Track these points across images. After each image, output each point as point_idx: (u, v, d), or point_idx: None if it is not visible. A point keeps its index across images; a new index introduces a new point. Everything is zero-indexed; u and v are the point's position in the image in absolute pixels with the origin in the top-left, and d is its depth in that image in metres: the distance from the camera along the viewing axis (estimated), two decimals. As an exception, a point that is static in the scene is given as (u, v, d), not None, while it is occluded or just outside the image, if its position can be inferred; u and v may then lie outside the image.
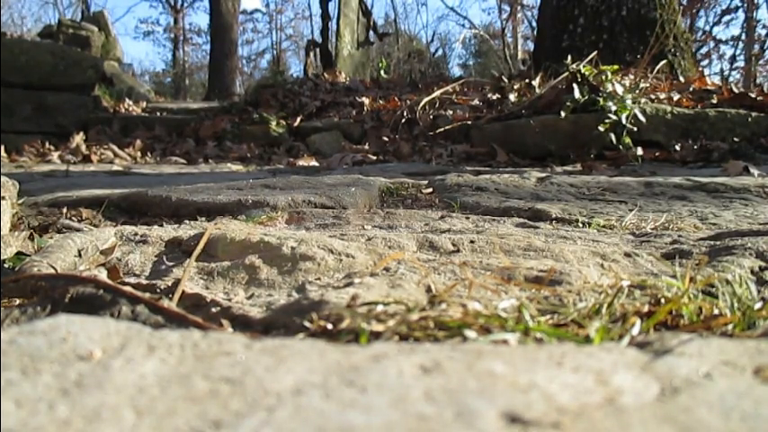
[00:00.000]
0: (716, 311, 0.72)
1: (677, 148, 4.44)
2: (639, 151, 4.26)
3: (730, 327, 0.68)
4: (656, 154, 4.38)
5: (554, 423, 0.37)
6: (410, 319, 0.65)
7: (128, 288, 0.74)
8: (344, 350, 0.48)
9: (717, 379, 0.47)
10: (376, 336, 0.63)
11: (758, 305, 0.72)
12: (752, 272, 0.95)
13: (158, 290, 0.91)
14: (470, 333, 0.63)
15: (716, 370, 0.48)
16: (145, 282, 0.94)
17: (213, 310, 0.81)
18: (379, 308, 0.70)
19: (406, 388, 0.40)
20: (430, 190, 2.48)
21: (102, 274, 0.85)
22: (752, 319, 0.70)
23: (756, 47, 18.65)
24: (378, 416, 0.37)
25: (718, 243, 1.15)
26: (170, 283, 0.93)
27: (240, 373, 0.41)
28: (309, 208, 1.91)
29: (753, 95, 5.18)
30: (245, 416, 0.36)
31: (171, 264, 1.11)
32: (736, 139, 4.51)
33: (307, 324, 0.68)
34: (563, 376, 0.44)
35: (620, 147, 4.33)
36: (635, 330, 0.64)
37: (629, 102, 4.43)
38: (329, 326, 0.66)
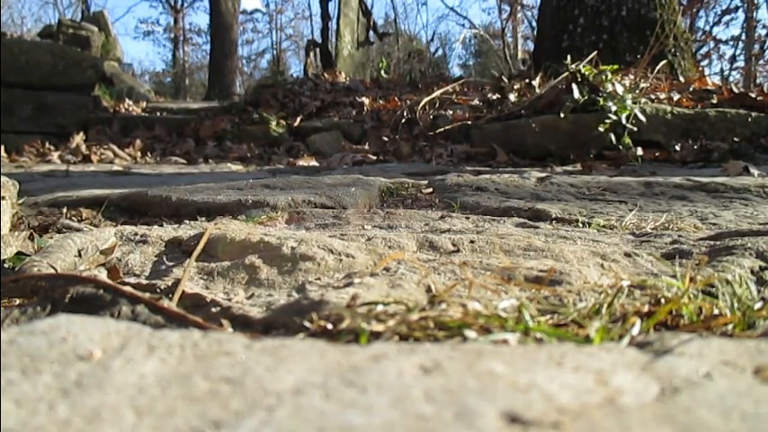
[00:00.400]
0: (716, 311, 0.72)
1: (677, 148, 4.44)
2: (639, 151, 4.26)
3: (730, 327, 0.68)
4: (656, 154, 4.38)
5: (554, 423, 0.37)
6: (410, 319, 0.65)
7: (128, 288, 0.74)
8: (344, 350, 0.48)
9: (717, 379, 0.47)
10: (376, 336, 0.63)
11: (758, 305, 0.72)
12: (752, 272, 0.95)
13: (158, 290, 0.91)
14: (470, 333, 0.63)
15: (716, 370, 0.48)
16: (145, 282, 0.94)
17: (213, 310, 0.81)
18: (379, 308, 0.70)
19: (406, 388, 0.40)
20: (430, 190, 2.48)
21: (102, 274, 0.85)
22: (752, 319, 0.70)
23: (756, 47, 18.65)
24: (378, 416, 0.37)
25: (718, 243, 1.15)
26: (170, 283, 0.93)
27: (240, 373, 0.42)
28: (309, 208, 1.91)
29: (753, 95, 5.18)
30: (245, 416, 0.36)
31: (171, 264, 1.11)
32: (736, 139, 4.51)
33: (307, 324, 0.68)
34: (563, 376, 0.44)
35: (620, 147, 4.33)
36: (635, 330, 0.64)
37: (629, 102, 4.43)
38: (329, 326, 0.66)
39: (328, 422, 0.36)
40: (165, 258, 1.15)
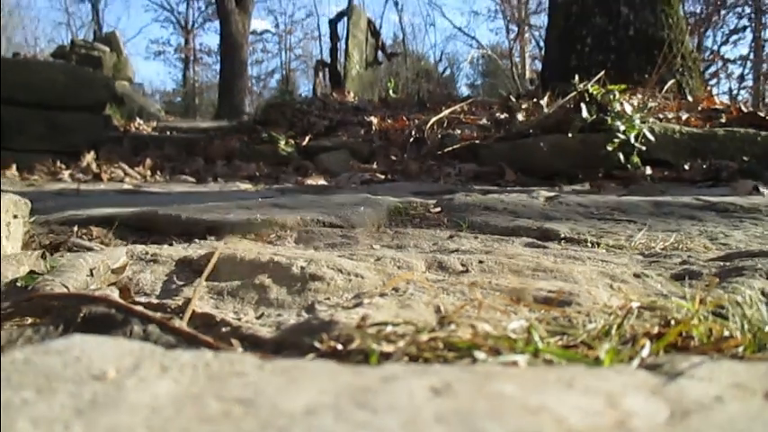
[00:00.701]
0: (726, 333, 0.72)
1: (686, 167, 4.43)
2: (648, 170, 4.26)
3: (741, 349, 0.68)
4: (665, 173, 4.37)
5: (564, 446, 0.38)
6: (420, 340, 0.65)
7: (139, 308, 0.74)
8: (355, 371, 0.48)
9: (728, 402, 0.46)
10: (386, 356, 0.63)
11: (769, 327, 0.72)
12: (762, 293, 0.94)
13: (169, 309, 0.91)
14: (480, 354, 0.63)
15: (727, 393, 0.48)
16: (155, 301, 0.95)
17: (223, 329, 0.82)
18: (389, 328, 0.70)
19: (416, 409, 0.40)
20: (438, 209, 2.48)
21: (114, 294, 0.86)
22: (762, 341, 0.70)
23: (765, 66, 18.65)
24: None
25: (728, 264, 1.15)
26: (180, 303, 0.93)
27: (252, 393, 0.42)
28: (318, 227, 1.91)
29: (762, 114, 5.18)
30: (257, 436, 0.37)
31: (181, 283, 1.12)
32: (745, 159, 4.50)
33: (317, 344, 0.68)
34: (573, 398, 0.44)
35: (629, 166, 4.33)
36: (645, 352, 0.64)
37: (637, 121, 4.44)
38: (339, 346, 0.66)
39: (340, 443, 0.36)
40: (175, 278, 1.15)
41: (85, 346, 0.49)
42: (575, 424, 0.40)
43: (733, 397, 0.48)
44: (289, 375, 0.45)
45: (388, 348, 0.63)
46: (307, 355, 0.67)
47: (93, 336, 0.52)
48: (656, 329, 0.72)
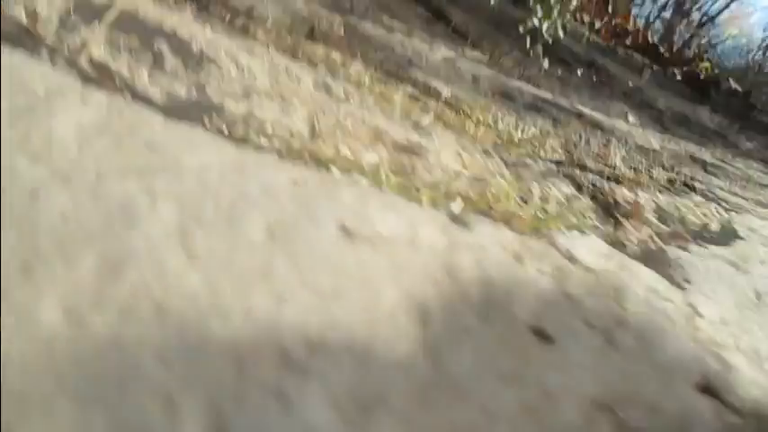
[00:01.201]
0: (520, 213, 0.92)
1: (579, 72, 4.68)
2: (546, 65, 4.45)
3: (521, 226, 0.89)
4: (559, 72, 4.60)
5: (372, 241, 0.54)
6: (292, 145, 0.78)
7: (48, 40, 0.79)
8: (239, 150, 0.61)
9: (488, 248, 0.66)
10: (260, 148, 0.76)
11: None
12: (566, 197, 1.17)
13: (67, 47, 0.96)
14: (335, 170, 0.78)
15: (489, 245, 0.67)
16: (53, 35, 0.98)
17: (117, 82, 0.89)
18: (269, 128, 0.82)
19: (276, 186, 0.55)
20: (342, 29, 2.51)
21: (23, 17, 0.89)
22: (539, 228, 0.91)
23: (687, 3, 19.06)
24: (260, 207, 0.51)
25: (561, 167, 1.37)
26: (78, 44, 0.98)
27: (160, 143, 0.54)
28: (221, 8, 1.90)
29: (662, 51, 5.49)
30: (160, 171, 0.49)
31: (79, 19, 1.13)
32: (630, 84, 4.82)
33: (205, 122, 0.79)
34: (389, 217, 0.60)
35: (531, 52, 4.48)
36: (455, 207, 0.82)
37: (555, 12, 4.53)
38: (224, 128, 0.78)
39: (224, 192, 0.49)
40: (73, 15, 1.16)
41: (22, 63, 0.57)
42: (382, 231, 0.57)
43: (493, 248, 0.67)
44: (188, 138, 0.57)
45: (264, 142, 0.76)
46: (194, 128, 0.78)
47: (25, 57, 0.60)
48: (471, 194, 0.91)
